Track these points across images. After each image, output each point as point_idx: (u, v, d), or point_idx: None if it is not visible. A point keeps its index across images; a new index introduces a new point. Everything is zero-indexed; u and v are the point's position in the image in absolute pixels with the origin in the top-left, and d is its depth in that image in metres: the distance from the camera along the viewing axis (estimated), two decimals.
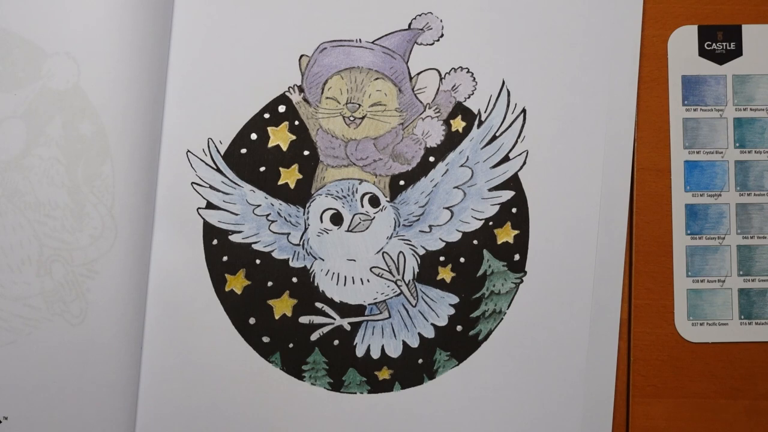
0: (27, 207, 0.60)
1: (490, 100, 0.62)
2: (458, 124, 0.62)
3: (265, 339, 0.62)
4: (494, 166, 0.62)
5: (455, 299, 0.62)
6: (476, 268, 0.62)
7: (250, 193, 0.62)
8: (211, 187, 0.61)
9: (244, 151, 0.61)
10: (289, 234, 0.62)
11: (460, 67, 0.61)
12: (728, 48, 0.62)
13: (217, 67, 0.61)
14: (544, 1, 0.61)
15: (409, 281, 0.62)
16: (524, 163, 0.62)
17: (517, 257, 0.62)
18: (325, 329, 0.62)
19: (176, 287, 0.61)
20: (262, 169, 0.62)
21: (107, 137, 0.60)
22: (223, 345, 0.61)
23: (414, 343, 0.63)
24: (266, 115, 0.61)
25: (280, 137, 0.62)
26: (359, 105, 0.61)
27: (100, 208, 0.60)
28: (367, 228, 0.62)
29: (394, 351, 0.62)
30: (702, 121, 0.63)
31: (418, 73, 0.62)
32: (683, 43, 0.62)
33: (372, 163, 0.62)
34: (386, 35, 0.61)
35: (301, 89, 0.61)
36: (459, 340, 0.62)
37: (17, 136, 0.60)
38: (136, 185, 0.60)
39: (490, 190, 0.62)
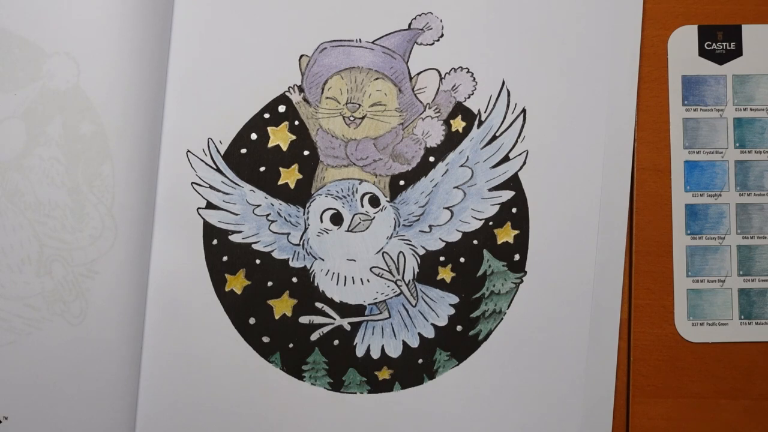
0: (27, 207, 0.60)
1: (490, 100, 0.62)
2: (458, 124, 0.62)
3: (265, 339, 0.62)
4: (494, 166, 0.62)
5: (455, 299, 0.62)
6: (476, 268, 0.62)
7: (250, 193, 0.62)
8: (211, 187, 0.61)
9: (244, 151, 0.61)
10: (289, 234, 0.62)
11: (460, 67, 0.61)
12: (728, 48, 0.62)
13: (217, 67, 0.61)
14: (544, 1, 0.61)
15: (409, 281, 0.62)
16: (524, 163, 0.62)
17: (517, 257, 0.62)
18: (325, 329, 0.62)
19: (176, 287, 0.61)
20: (262, 169, 0.62)
21: (107, 137, 0.60)
22: (223, 345, 0.61)
23: (414, 343, 0.63)
24: (266, 115, 0.61)
25: (280, 137, 0.62)
26: (359, 105, 0.61)
27: (100, 208, 0.60)
28: (367, 228, 0.62)
29: (394, 351, 0.62)
30: (702, 121, 0.63)
31: (418, 73, 0.62)
32: (683, 43, 0.62)
33: (372, 163, 0.62)
34: (386, 35, 0.61)
35: (301, 89, 0.61)
36: (459, 340, 0.62)
37: (17, 136, 0.60)
38: (136, 185, 0.60)
39: (490, 190, 0.62)
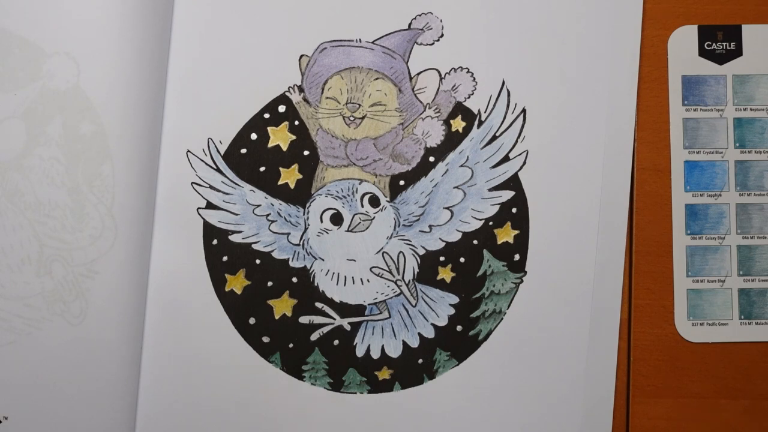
0: (27, 207, 0.60)
1: (490, 100, 0.62)
2: (458, 124, 0.62)
3: (265, 339, 0.62)
4: (494, 166, 0.62)
5: (455, 299, 0.62)
6: (476, 268, 0.62)
7: (250, 193, 0.62)
8: (211, 187, 0.61)
9: (244, 151, 0.61)
10: (289, 234, 0.62)
11: (460, 67, 0.61)
12: (728, 48, 0.62)
13: (217, 67, 0.61)
14: (544, 1, 0.61)
15: (409, 281, 0.62)
16: (524, 163, 0.62)
17: (517, 257, 0.62)
18: (325, 329, 0.62)
19: (176, 287, 0.61)
20: (262, 169, 0.62)
21: (107, 137, 0.60)
22: (223, 345, 0.61)
23: (414, 343, 0.63)
24: (266, 115, 0.61)
25: (280, 137, 0.62)
26: (359, 105, 0.61)
27: (100, 208, 0.60)
28: (367, 228, 0.62)
29: (394, 351, 0.62)
30: (702, 121, 0.63)
31: (418, 73, 0.62)
32: (683, 43, 0.62)
33: (372, 163, 0.62)
34: (386, 35, 0.61)
35: (301, 89, 0.61)
36: (459, 340, 0.62)
37: (17, 136, 0.60)
38: (136, 185, 0.60)
39: (490, 190, 0.62)
